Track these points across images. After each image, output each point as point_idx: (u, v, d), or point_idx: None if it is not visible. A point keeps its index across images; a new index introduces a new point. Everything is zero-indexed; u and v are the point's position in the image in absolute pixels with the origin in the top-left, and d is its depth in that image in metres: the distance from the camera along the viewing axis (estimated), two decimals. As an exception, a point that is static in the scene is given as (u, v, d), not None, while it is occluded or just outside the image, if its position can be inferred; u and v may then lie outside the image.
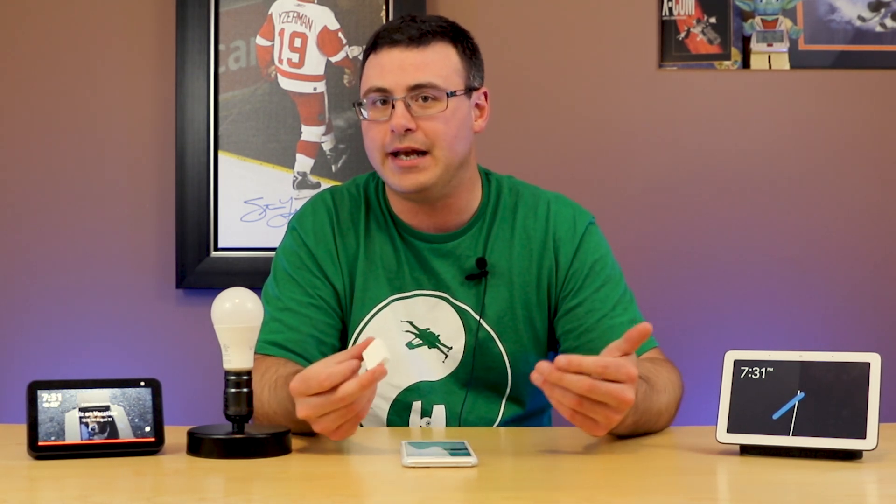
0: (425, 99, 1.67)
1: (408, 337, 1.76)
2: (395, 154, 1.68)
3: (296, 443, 1.48)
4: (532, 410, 1.82)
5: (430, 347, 1.77)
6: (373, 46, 1.71)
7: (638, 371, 1.40)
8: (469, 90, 1.73)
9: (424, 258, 1.77)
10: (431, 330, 1.77)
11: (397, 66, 1.67)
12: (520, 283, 1.77)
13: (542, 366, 1.37)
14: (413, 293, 1.77)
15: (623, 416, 1.40)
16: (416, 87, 1.67)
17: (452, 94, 1.69)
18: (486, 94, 1.78)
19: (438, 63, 1.69)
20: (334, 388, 1.37)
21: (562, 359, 1.35)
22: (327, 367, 1.38)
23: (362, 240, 1.78)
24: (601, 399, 1.36)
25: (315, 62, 2.52)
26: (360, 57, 2.50)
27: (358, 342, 1.75)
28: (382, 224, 1.79)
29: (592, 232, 1.81)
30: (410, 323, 1.76)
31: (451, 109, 1.69)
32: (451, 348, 1.76)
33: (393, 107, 1.67)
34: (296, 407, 1.41)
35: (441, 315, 1.77)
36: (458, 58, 1.72)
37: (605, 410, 1.38)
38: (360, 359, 1.39)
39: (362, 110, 1.71)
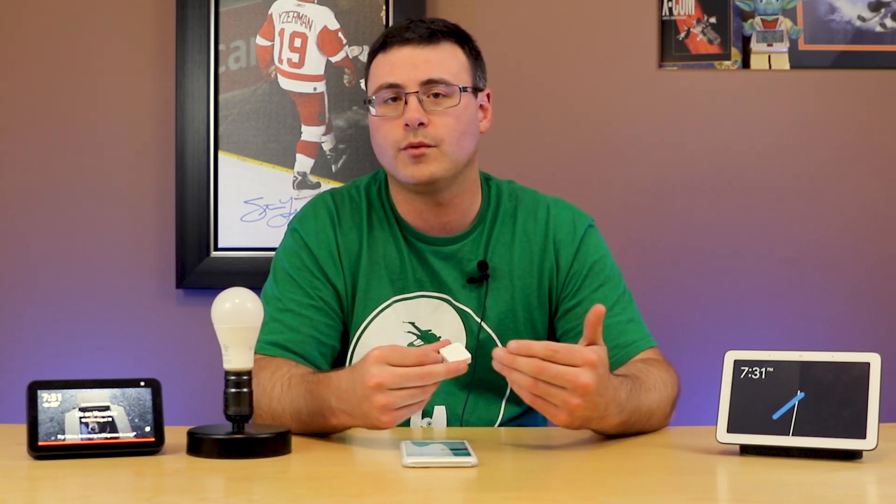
0: (436, 95, 1.69)
1: (409, 338, 1.76)
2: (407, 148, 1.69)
3: (296, 443, 1.48)
4: (529, 406, 1.83)
5: (431, 349, 1.77)
6: (381, 46, 1.72)
7: (598, 357, 1.41)
8: (475, 90, 1.75)
9: (427, 260, 1.77)
10: (433, 332, 1.77)
11: (409, 63, 1.69)
12: (521, 286, 1.78)
13: (498, 353, 1.41)
14: (415, 294, 1.77)
15: (584, 402, 1.41)
16: (429, 83, 1.68)
17: (464, 89, 1.71)
18: (489, 96, 1.80)
19: (448, 60, 1.71)
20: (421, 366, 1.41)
21: (513, 343, 1.41)
22: (417, 348, 1.43)
23: (365, 240, 1.78)
24: (553, 381, 1.39)
25: (315, 62, 2.53)
26: (361, 57, 2.51)
27: (360, 343, 1.76)
28: (386, 225, 1.79)
29: (592, 234, 1.82)
30: (412, 324, 1.77)
31: (463, 105, 1.71)
32: (452, 350, 1.77)
33: (406, 102, 1.68)
34: (370, 372, 1.41)
35: (443, 317, 1.77)
36: (465, 57, 1.74)
37: (562, 394, 1.40)
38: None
39: (371, 108, 1.72)
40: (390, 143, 1.70)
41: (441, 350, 1.44)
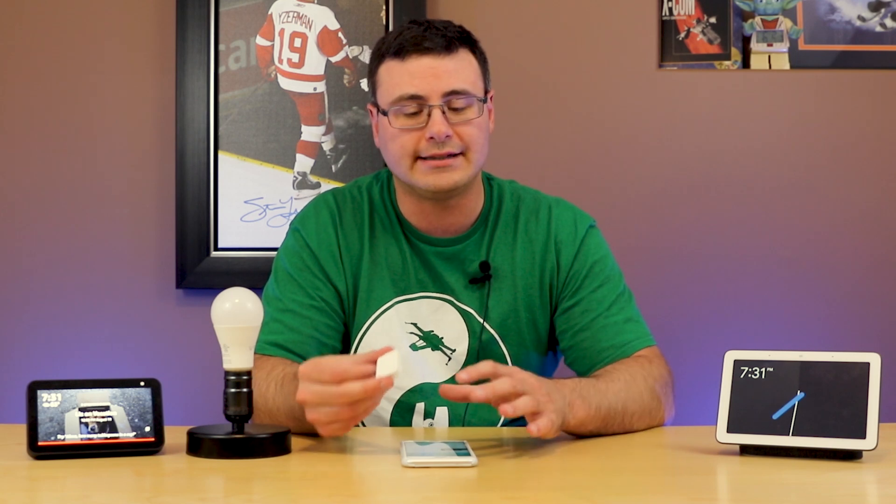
0: (457, 108, 1.68)
1: (412, 339, 1.76)
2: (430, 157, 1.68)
3: (296, 443, 1.48)
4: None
5: (433, 350, 1.77)
6: (396, 53, 1.69)
7: (494, 367, 1.43)
8: (486, 94, 1.75)
9: (429, 261, 1.77)
10: (435, 332, 1.77)
11: (430, 74, 1.67)
12: (523, 286, 1.78)
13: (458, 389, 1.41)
14: (417, 295, 1.77)
15: (533, 394, 1.42)
16: (451, 93, 1.67)
17: (483, 100, 1.71)
18: (491, 97, 1.79)
19: (467, 69, 1.70)
20: (340, 383, 1.38)
21: (462, 374, 1.42)
22: (341, 362, 1.40)
23: (367, 241, 1.78)
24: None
25: (315, 62, 2.53)
26: (361, 57, 2.51)
27: (362, 343, 1.76)
28: (388, 226, 1.79)
29: (593, 234, 1.82)
30: (415, 325, 1.77)
31: (482, 115, 1.71)
32: (454, 350, 1.77)
33: (429, 115, 1.67)
34: (298, 388, 1.42)
35: (445, 318, 1.77)
36: (477, 63, 1.74)
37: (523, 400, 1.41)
38: (374, 363, 1.40)
39: (387, 117, 1.70)
40: (408, 153, 1.69)
41: (378, 359, 1.40)
